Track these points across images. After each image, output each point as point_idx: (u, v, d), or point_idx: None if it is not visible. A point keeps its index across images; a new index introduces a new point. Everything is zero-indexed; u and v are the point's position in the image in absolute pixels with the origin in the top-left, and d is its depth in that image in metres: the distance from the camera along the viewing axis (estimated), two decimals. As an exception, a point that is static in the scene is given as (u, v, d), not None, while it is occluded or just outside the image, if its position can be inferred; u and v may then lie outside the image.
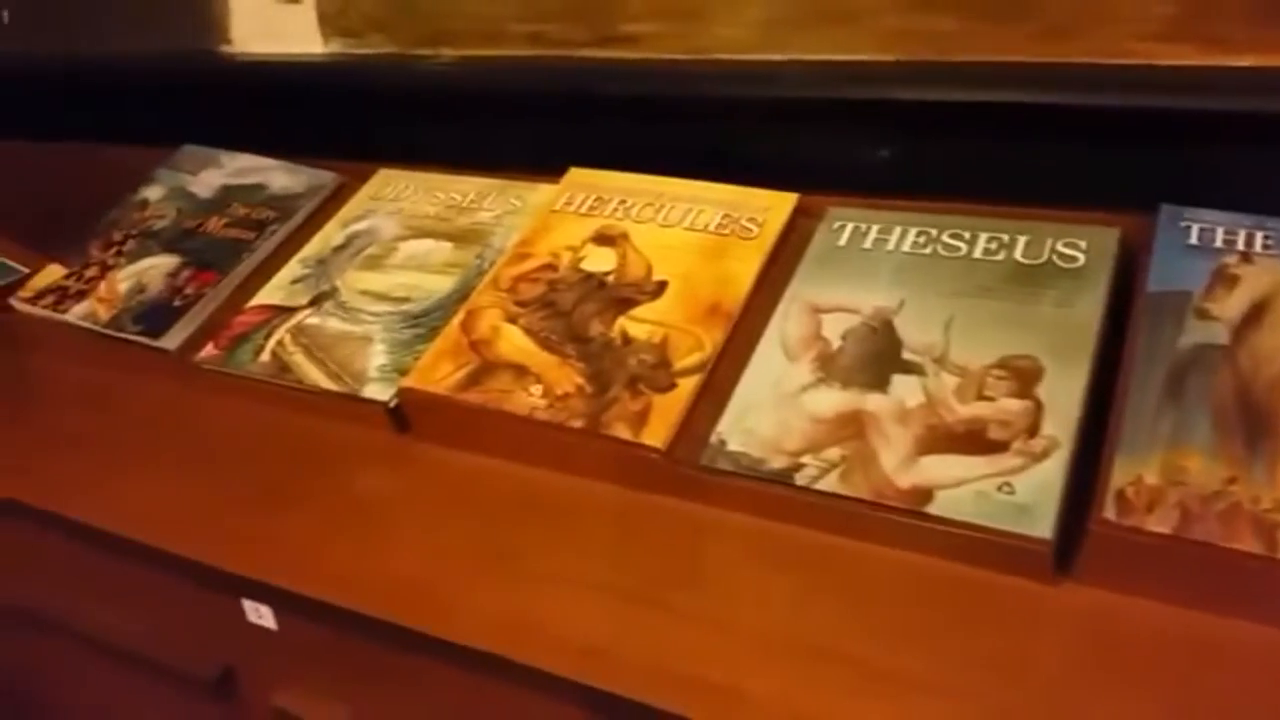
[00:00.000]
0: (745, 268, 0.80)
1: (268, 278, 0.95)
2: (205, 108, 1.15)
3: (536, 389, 0.74)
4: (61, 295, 0.97)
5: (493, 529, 0.69)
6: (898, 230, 0.79)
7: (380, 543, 0.70)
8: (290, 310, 0.90)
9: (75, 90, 1.24)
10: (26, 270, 1.10)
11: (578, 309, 0.79)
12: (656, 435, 0.69)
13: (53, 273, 1.00)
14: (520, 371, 0.76)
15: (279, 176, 1.06)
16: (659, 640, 0.59)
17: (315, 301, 0.91)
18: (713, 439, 0.68)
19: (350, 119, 1.08)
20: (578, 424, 0.71)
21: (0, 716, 0.99)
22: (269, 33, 1.11)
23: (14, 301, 0.98)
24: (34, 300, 0.97)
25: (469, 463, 0.76)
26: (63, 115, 1.25)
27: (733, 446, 0.67)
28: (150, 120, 1.18)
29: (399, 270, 0.92)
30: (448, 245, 0.93)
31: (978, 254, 0.76)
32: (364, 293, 0.90)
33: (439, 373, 0.78)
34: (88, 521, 0.76)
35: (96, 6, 1.22)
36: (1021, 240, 0.76)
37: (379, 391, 0.80)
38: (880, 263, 0.76)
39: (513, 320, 0.80)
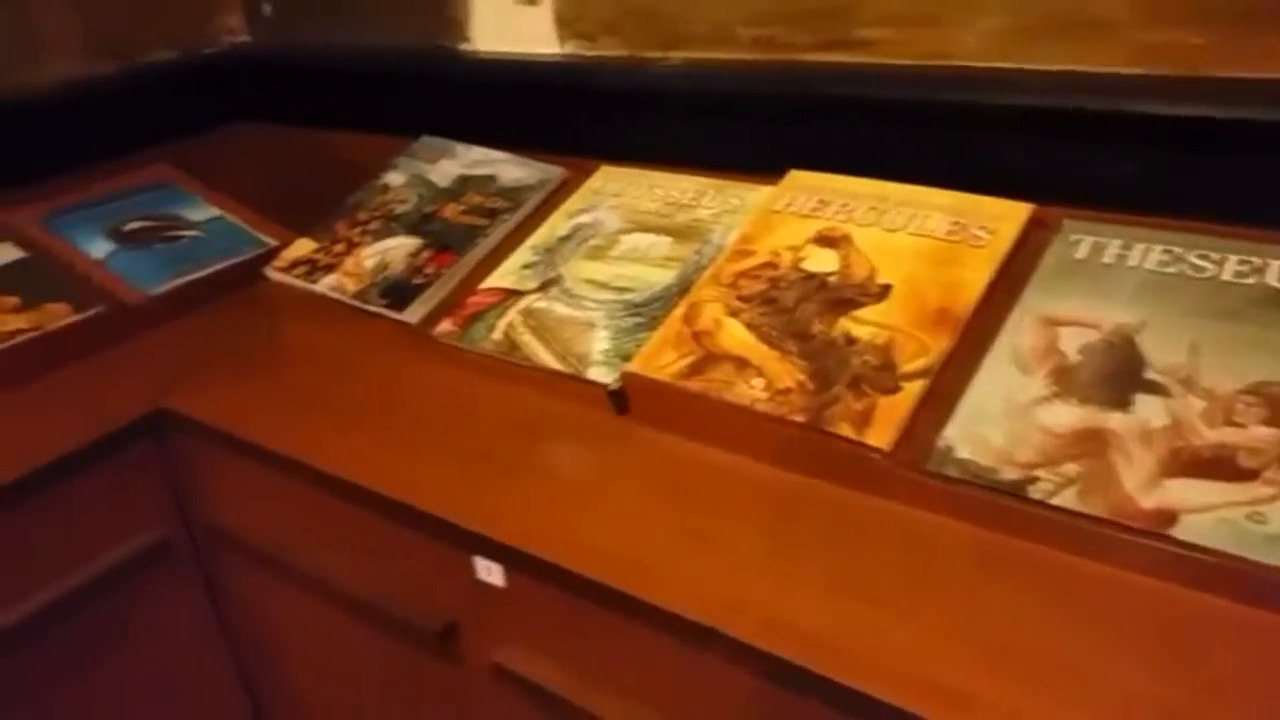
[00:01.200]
0: (975, 275, 0.79)
1: (499, 262, 1.01)
2: (443, 101, 1.23)
3: (758, 382, 0.76)
4: (311, 267, 1.06)
5: (707, 513, 0.72)
6: (1140, 247, 0.77)
7: (601, 514, 0.74)
8: (520, 293, 0.96)
9: (325, 80, 1.35)
10: (275, 243, 1.21)
11: (799, 307, 0.81)
12: (881, 436, 0.70)
13: (303, 246, 1.10)
14: (741, 364, 0.78)
15: (510, 169, 1.12)
16: (882, 638, 0.59)
17: (543, 287, 0.96)
18: (939, 444, 0.68)
19: (578, 117, 1.14)
20: (799, 419, 0.73)
21: (218, 647, 1.08)
22: (507, 33, 1.17)
23: (268, 271, 1.08)
24: (286, 270, 1.07)
25: (685, 448, 0.78)
26: (313, 102, 1.36)
27: (961, 454, 0.67)
28: (391, 111, 1.27)
29: (621, 261, 0.96)
30: (668, 240, 0.96)
31: (1227, 276, 0.73)
32: (588, 281, 0.95)
33: (661, 360, 0.81)
34: (329, 470, 0.83)
35: (349, 3, 1.32)
36: (1275, 265, 0.73)
37: (602, 374, 0.84)
38: (1121, 279, 0.74)
39: (734, 314, 0.83)
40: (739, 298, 0.84)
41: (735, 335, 0.81)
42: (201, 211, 1.24)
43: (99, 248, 1.15)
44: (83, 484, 0.91)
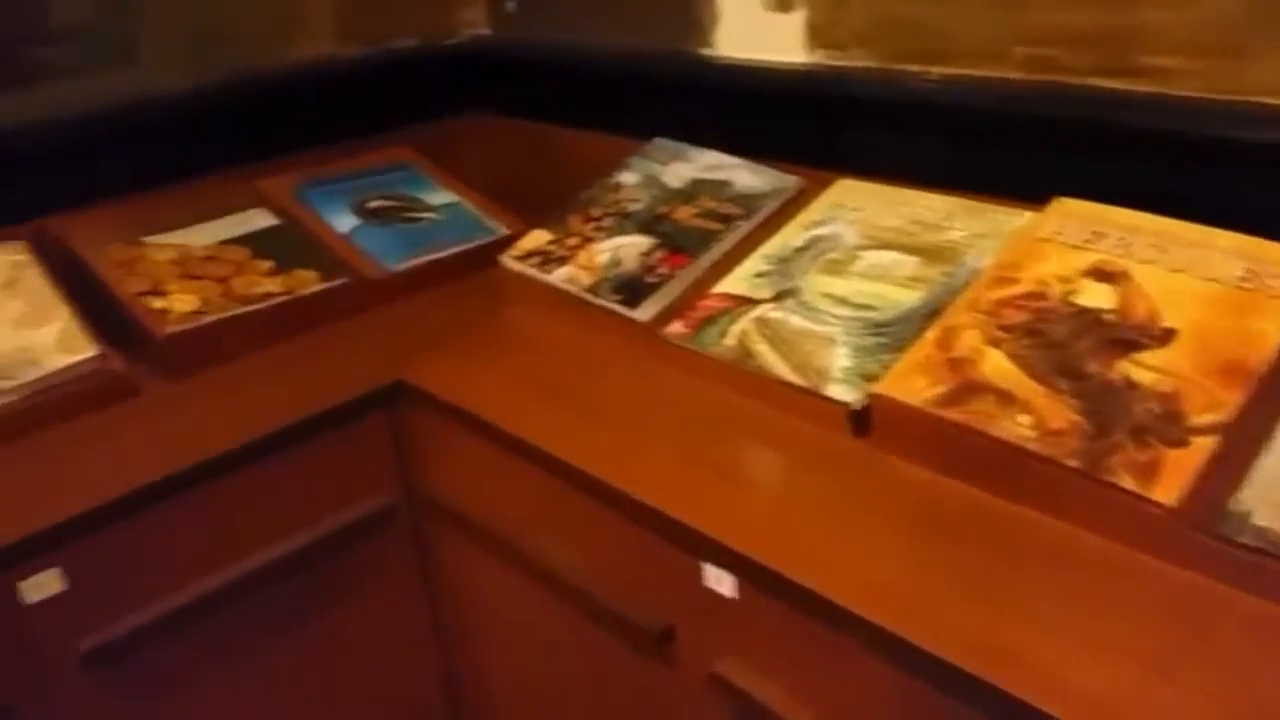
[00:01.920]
0: (1273, 327, 0.73)
1: (731, 268, 1.00)
2: (679, 105, 1.23)
3: (1025, 419, 0.72)
4: (545, 258, 1.08)
5: (962, 552, 0.68)
6: None
7: (841, 538, 0.71)
8: (753, 301, 0.94)
9: (561, 77, 1.37)
10: (507, 231, 1.24)
11: (1072, 344, 0.76)
12: (1167, 492, 0.64)
13: (537, 238, 1.12)
14: (1005, 398, 0.74)
15: (744, 175, 1.11)
16: (1156, 705, 0.55)
17: (778, 297, 0.94)
18: (1233, 507, 0.62)
19: (818, 127, 1.11)
20: (1073, 463, 0.68)
21: (423, 617, 1.11)
22: (752, 39, 1.16)
23: (503, 259, 1.10)
24: (521, 259, 1.09)
25: (932, 479, 0.75)
26: (548, 98, 1.39)
27: (1259, 520, 0.61)
28: (625, 111, 1.28)
29: (861, 278, 0.93)
30: (913, 260, 0.93)
31: None
32: (826, 295, 0.92)
33: (913, 385, 0.78)
34: (559, 455, 0.84)
35: (593, 3, 1.35)
36: None
37: (843, 393, 0.82)
38: None
39: (995, 344, 0.79)
40: (1000, 327, 0.80)
41: (998, 366, 0.77)
42: (438, 195, 1.29)
43: (344, 221, 1.20)
44: (317, 448, 0.95)
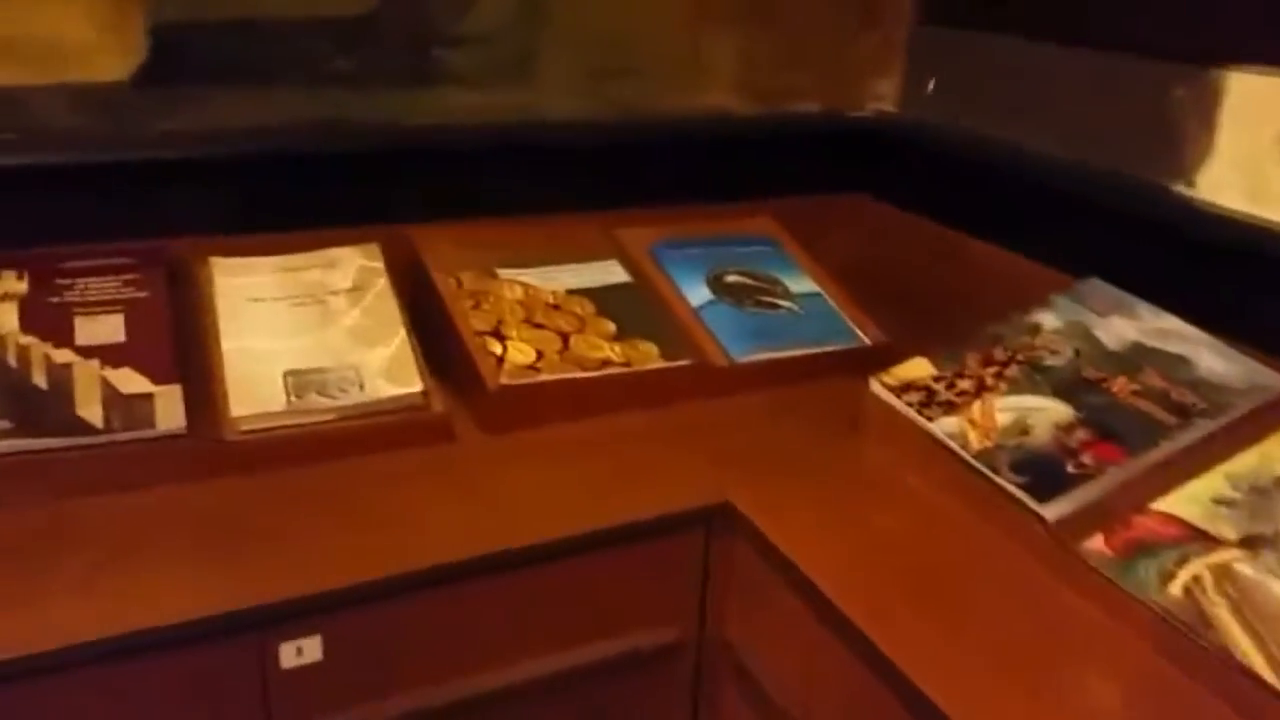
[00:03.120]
0: None
1: (1181, 481, 0.76)
2: (1124, 241, 1.00)
3: None
4: (928, 398, 0.89)
5: None
6: None
7: None
8: (1212, 540, 0.71)
9: (974, 175, 1.18)
10: (869, 342, 1.07)
11: None
12: None
13: (918, 367, 0.93)
14: None
15: (1208, 356, 0.87)
16: None
17: (1251, 543, 0.70)
18: None
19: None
20: None
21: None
22: (1254, 190, 0.91)
23: (874, 384, 0.92)
24: (897, 391, 0.91)
25: None
26: (952, 196, 1.20)
27: None
28: (1048, 232, 1.07)
29: (1386, 552, 0.67)
30: None
31: None
32: (1329, 562, 0.67)
33: None
34: (893, 658, 0.66)
35: (1029, 101, 1.14)
36: None
37: (1358, 730, 0.57)
38: None
39: None
40: None
41: None
42: (800, 282, 1.13)
43: (697, 293, 1.07)
44: (619, 558, 0.82)
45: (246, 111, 1.01)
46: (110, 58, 0.95)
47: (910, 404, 0.89)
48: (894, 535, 0.80)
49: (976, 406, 0.87)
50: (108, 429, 0.78)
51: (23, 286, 0.88)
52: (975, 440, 0.83)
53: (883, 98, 1.31)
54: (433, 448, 0.88)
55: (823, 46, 1.28)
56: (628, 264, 1.09)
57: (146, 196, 0.98)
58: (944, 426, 0.85)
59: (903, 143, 1.29)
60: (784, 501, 0.83)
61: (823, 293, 1.12)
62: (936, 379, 0.91)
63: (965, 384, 0.90)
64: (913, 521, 0.81)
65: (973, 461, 0.82)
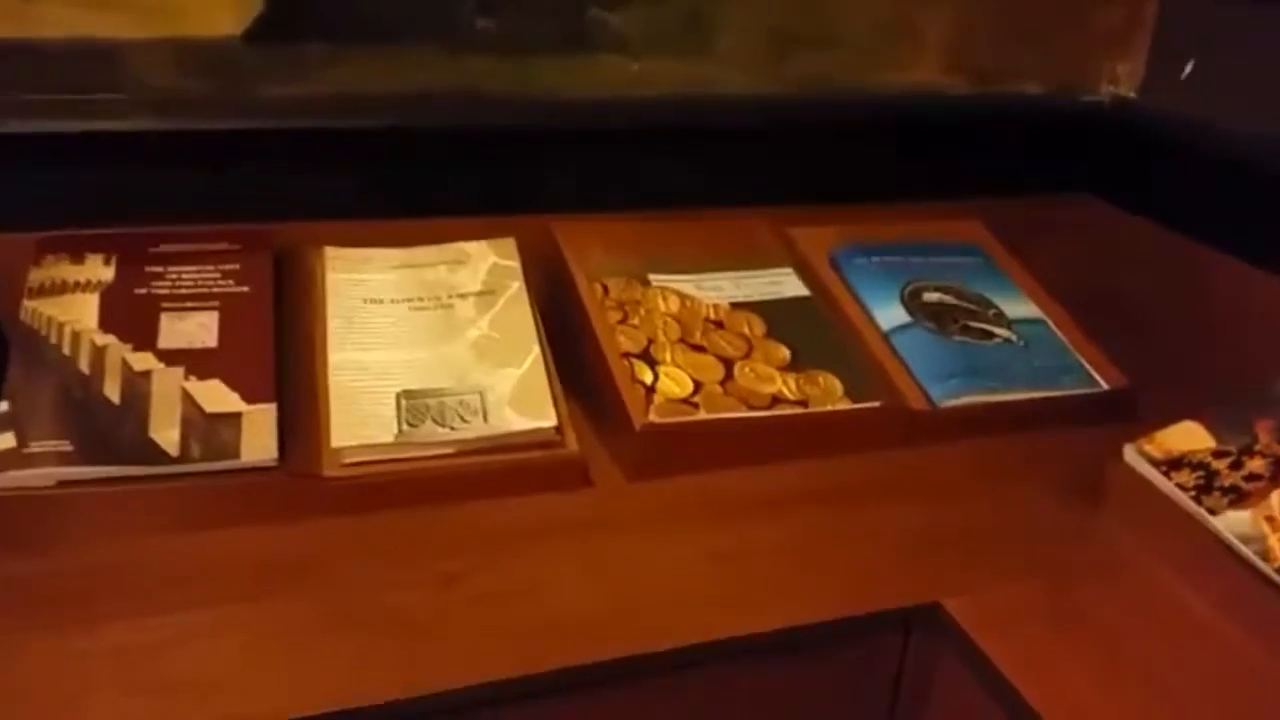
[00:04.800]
0: None
1: None
2: None
3: None
4: (1207, 481, 0.68)
5: None
6: None
7: None
8: None
9: (1243, 184, 0.94)
10: (1106, 386, 0.85)
11: None
12: None
13: (1190, 435, 0.71)
14: None
15: None
16: None
17: None
18: None
19: None
20: None
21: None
22: None
23: (1128, 453, 0.71)
24: (1162, 467, 0.69)
25: None
26: (1211, 205, 0.97)
27: None
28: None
29: None
30: None
31: None
32: None
33: None
34: None
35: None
36: None
37: None
38: None
39: None
40: None
41: None
42: (1016, 304, 0.92)
43: (890, 314, 0.88)
44: (789, 664, 0.65)
45: (372, 78, 0.87)
46: (222, 9, 0.82)
47: (1183, 487, 0.68)
48: (1155, 668, 0.60)
49: (1275, 499, 0.65)
50: (184, 456, 0.65)
51: (109, 273, 0.76)
52: (1275, 539, 0.62)
53: (1121, 80, 1.07)
54: (565, 493, 0.73)
55: (1054, 17, 1.05)
56: (804, 273, 0.91)
57: (254, 171, 0.85)
58: (1231, 524, 0.64)
59: (1141, 136, 1.05)
60: (1009, 607, 0.64)
61: (1046, 319, 0.91)
62: (1217, 454, 0.70)
63: (1257, 464, 0.68)
64: (1183, 652, 0.61)
65: (1276, 578, 0.61)
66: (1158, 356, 0.88)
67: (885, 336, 0.86)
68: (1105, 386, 0.85)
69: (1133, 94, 1.07)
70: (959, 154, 1.07)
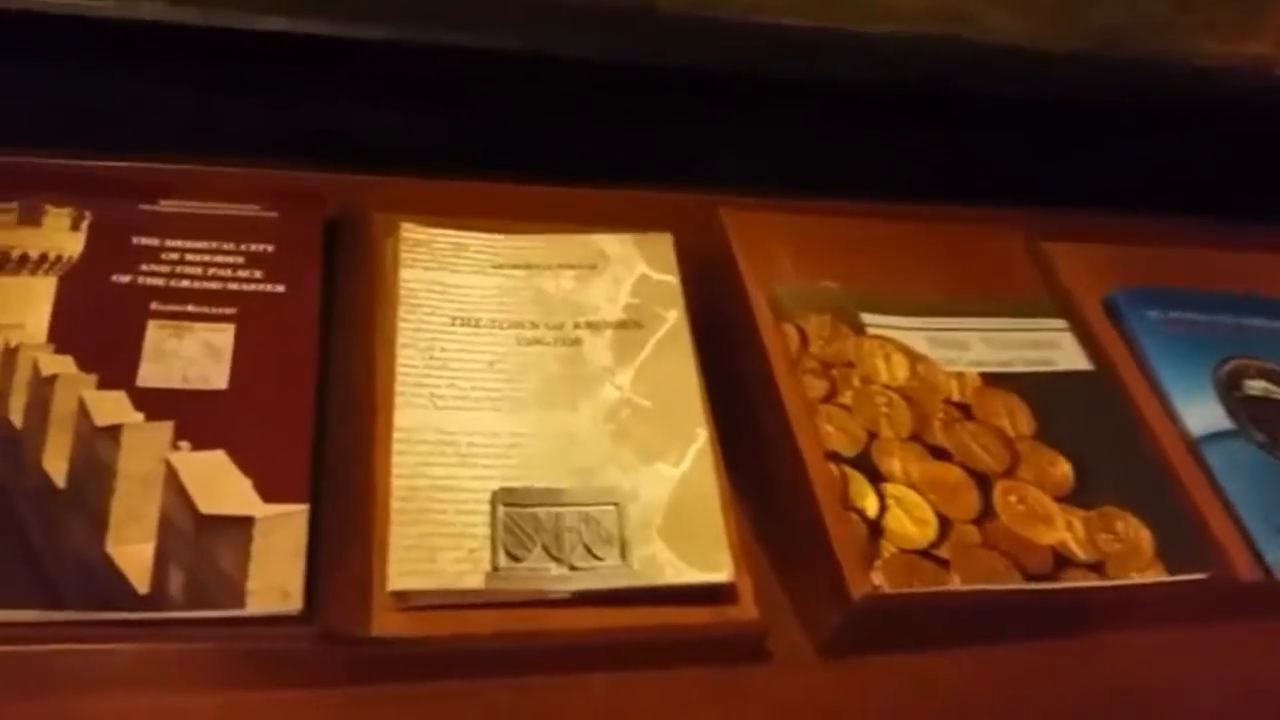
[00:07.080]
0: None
1: None
2: None
3: None
4: None
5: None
6: None
7: None
8: None
9: None
10: None
11: None
12: None
13: None
14: None
15: None
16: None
17: None
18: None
19: None
20: None
21: None
22: None
23: None
24: None
25: None
26: None
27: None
28: None
29: None
30: None
31: None
32: None
33: None
34: None
35: None
36: None
37: None
38: None
39: None
40: None
41: None
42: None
43: (1201, 410, 0.60)
44: None
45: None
46: None
47: None
48: None
49: None
50: (156, 596, 0.41)
51: (76, 244, 0.50)
52: None
53: None
54: (728, 668, 0.48)
55: None
56: (1079, 329, 0.63)
57: (305, 97, 0.58)
58: None
59: None
60: None
61: None
62: None
63: None
64: None
65: None
66: None
67: (1193, 446, 0.59)
68: None
69: None
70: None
